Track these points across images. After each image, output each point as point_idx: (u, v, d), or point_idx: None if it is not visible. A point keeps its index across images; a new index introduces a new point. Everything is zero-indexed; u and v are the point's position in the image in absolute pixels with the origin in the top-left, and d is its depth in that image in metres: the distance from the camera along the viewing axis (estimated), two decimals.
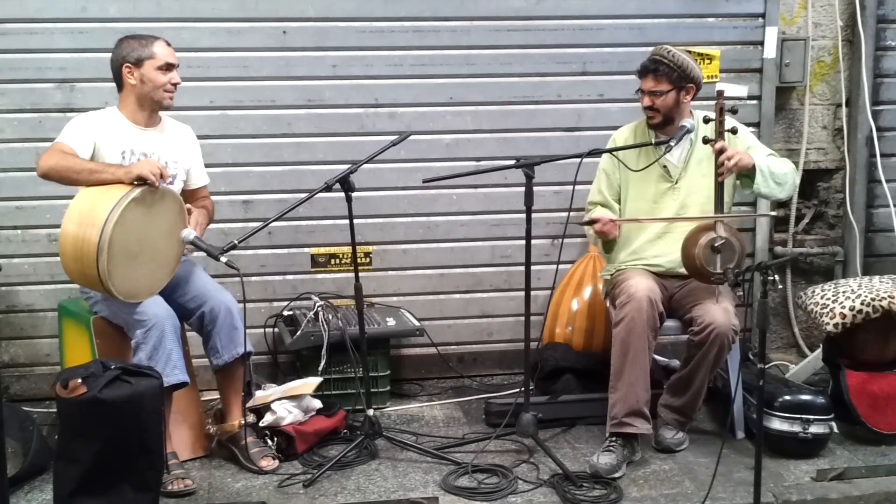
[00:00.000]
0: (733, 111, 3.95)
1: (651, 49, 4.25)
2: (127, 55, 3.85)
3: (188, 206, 3.92)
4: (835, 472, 3.88)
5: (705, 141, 3.99)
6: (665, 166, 4.18)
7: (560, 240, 4.46)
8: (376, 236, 4.98)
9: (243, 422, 4.02)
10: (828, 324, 4.32)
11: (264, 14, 4.73)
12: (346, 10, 4.78)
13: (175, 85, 3.91)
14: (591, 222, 4.03)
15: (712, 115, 3.96)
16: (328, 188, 3.88)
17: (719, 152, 3.90)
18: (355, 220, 4.03)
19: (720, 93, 3.97)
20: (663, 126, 4.13)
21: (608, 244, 4.21)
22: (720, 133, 3.94)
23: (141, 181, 3.60)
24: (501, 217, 5.03)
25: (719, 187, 3.97)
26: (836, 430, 4.13)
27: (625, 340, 3.93)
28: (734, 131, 4.01)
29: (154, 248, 3.70)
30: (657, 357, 4.67)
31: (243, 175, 4.83)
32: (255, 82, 4.78)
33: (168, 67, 3.88)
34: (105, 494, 3.31)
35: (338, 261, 4.96)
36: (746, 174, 4.01)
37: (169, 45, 3.91)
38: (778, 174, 4.02)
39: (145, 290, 3.73)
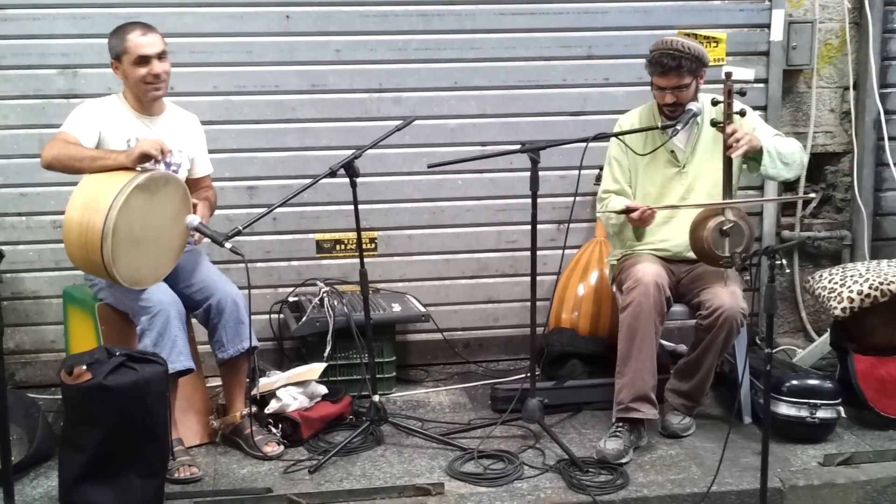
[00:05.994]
0: (741, 93, 3.92)
1: (657, 33, 4.23)
2: (111, 51, 3.85)
3: (192, 200, 3.90)
4: (842, 457, 3.87)
5: (713, 124, 3.96)
6: (672, 151, 4.16)
7: (566, 224, 4.44)
8: (381, 222, 4.96)
9: (245, 412, 4.02)
10: (835, 308, 4.30)
11: None
12: None
13: (156, 76, 3.82)
14: (628, 211, 3.93)
15: (721, 97, 3.93)
16: (333, 174, 3.87)
17: (729, 134, 3.87)
18: (360, 206, 4.01)
19: (728, 74, 3.94)
20: (676, 113, 4.09)
21: (640, 232, 4.13)
22: (729, 116, 3.91)
23: (145, 159, 3.59)
24: (507, 202, 5.01)
25: (727, 170, 3.94)
26: (843, 414, 4.12)
27: (632, 325, 3.92)
28: (742, 114, 3.98)
29: (158, 234, 3.69)
30: (664, 342, 4.67)
31: (247, 161, 4.81)
32: (258, 67, 4.75)
33: (142, 60, 3.79)
34: (110, 481, 3.31)
35: (343, 246, 4.95)
36: (753, 157, 3.98)
37: (146, 33, 3.81)
38: (785, 154, 4.00)
39: (150, 277, 3.72)
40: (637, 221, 3.97)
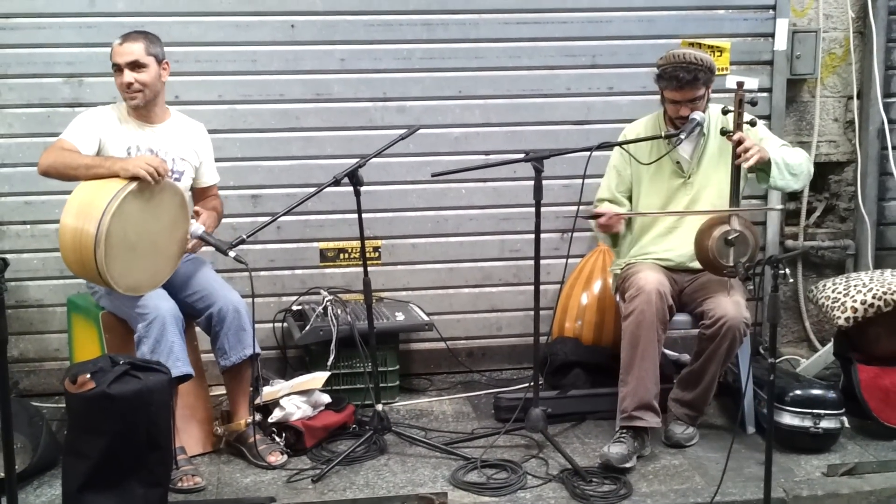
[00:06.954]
0: (753, 103, 3.91)
1: (661, 42, 4.21)
2: None
3: (196, 208, 3.91)
4: (846, 467, 3.87)
5: (723, 132, 3.96)
6: (678, 162, 4.16)
7: (569, 234, 4.44)
8: (385, 230, 4.96)
9: (250, 420, 4.02)
10: (839, 318, 4.29)
11: (272, 8, 4.71)
12: (354, 4, 4.76)
13: (127, 85, 3.82)
14: (596, 216, 3.99)
15: (731, 106, 3.92)
16: (337, 182, 3.87)
17: (737, 143, 3.86)
18: (364, 215, 4.01)
19: (740, 84, 3.93)
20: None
21: (613, 238, 4.20)
22: (739, 125, 3.90)
23: (136, 179, 3.56)
24: (510, 211, 5.01)
25: (735, 180, 3.94)
26: (847, 424, 4.11)
27: (634, 334, 3.91)
28: (753, 123, 3.96)
29: (154, 240, 3.66)
30: (667, 351, 4.66)
31: (251, 169, 4.81)
32: (263, 76, 4.76)
33: (116, 69, 3.84)
34: (114, 490, 3.30)
35: (346, 255, 4.95)
36: (762, 168, 3.98)
37: (123, 42, 3.83)
38: (793, 165, 3.99)
39: (146, 284, 3.70)
40: (601, 228, 4.01)
